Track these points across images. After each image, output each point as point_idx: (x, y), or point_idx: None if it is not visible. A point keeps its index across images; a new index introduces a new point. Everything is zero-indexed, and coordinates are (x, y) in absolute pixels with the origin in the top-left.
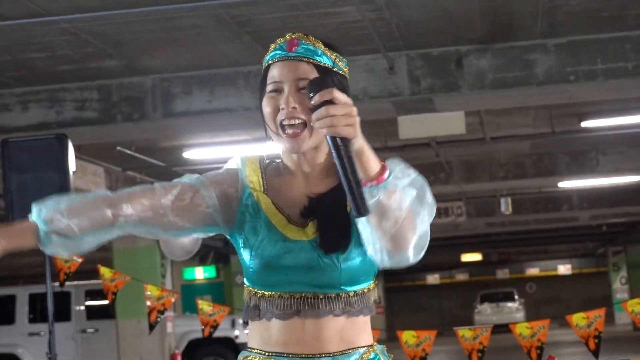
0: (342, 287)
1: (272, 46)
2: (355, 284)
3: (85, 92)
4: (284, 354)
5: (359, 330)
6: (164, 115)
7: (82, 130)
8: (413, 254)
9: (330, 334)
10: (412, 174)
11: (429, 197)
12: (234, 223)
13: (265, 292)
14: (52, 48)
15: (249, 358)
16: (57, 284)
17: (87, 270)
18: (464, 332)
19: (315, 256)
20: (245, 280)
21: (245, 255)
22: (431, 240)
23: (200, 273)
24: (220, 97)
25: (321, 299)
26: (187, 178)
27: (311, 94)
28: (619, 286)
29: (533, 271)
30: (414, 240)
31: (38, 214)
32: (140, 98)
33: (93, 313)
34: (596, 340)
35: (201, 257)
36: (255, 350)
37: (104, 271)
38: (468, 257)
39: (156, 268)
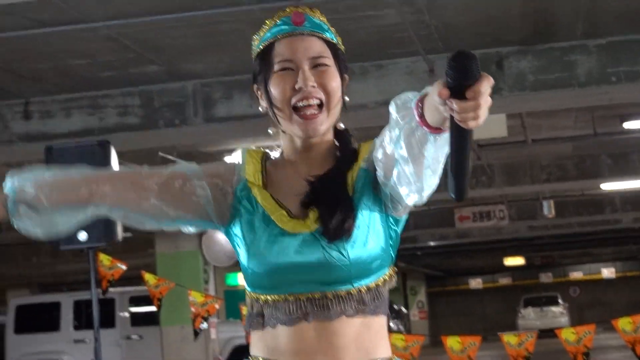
0: (353, 282)
1: (271, 22)
2: (368, 275)
3: (127, 98)
4: None
5: (376, 337)
6: (205, 120)
7: (125, 136)
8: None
9: (345, 341)
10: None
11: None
12: (228, 219)
13: (268, 297)
14: (94, 55)
15: None
16: (100, 291)
17: (131, 276)
18: (509, 338)
19: (319, 248)
20: (245, 285)
21: (242, 255)
22: (473, 244)
23: (243, 279)
24: None
25: (330, 298)
26: (181, 166)
27: (458, 78)
28: None
29: (576, 275)
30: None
31: (10, 182)
32: (181, 103)
33: (137, 319)
34: None
35: None
36: (260, 358)
37: (149, 277)
38: (511, 261)
39: (199, 274)
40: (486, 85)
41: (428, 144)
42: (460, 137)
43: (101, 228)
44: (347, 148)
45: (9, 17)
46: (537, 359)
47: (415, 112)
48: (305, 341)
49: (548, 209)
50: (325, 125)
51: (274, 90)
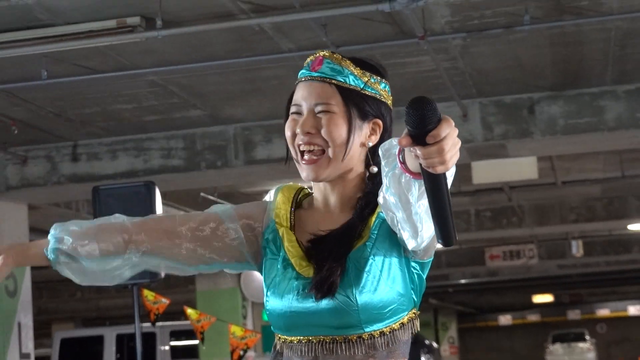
0: (364, 327)
1: (304, 64)
2: (380, 320)
3: (170, 141)
4: None
5: None
6: (246, 163)
7: (168, 177)
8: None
9: None
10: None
11: None
12: (260, 259)
13: (287, 338)
14: (139, 99)
15: None
16: (147, 324)
17: (171, 311)
18: None
19: (325, 296)
20: (270, 323)
21: (264, 295)
22: (503, 282)
23: None
24: None
25: (340, 342)
26: (215, 208)
27: (417, 126)
28: None
29: (604, 312)
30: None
31: (53, 232)
32: (223, 146)
33: (177, 353)
34: None
35: None
36: None
37: (191, 312)
38: (539, 298)
39: (238, 309)
40: (445, 128)
41: (412, 189)
42: (433, 182)
43: None
44: (370, 194)
45: (59, 64)
46: None
47: (397, 159)
48: None
49: (576, 248)
50: (327, 171)
51: (286, 132)
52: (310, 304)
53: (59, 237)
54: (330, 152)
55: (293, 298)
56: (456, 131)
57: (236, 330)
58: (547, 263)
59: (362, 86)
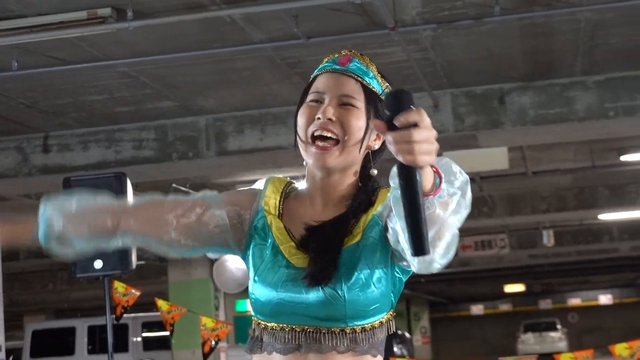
0: (348, 321)
1: (325, 60)
2: (364, 317)
3: (142, 132)
4: None
5: None
6: (218, 154)
7: (140, 168)
8: (442, 256)
9: None
10: (459, 176)
11: (469, 197)
12: (244, 245)
13: (268, 324)
14: (111, 91)
15: None
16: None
17: (144, 303)
18: None
19: (318, 288)
20: (251, 309)
21: (250, 280)
22: (475, 271)
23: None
24: (271, 136)
25: (324, 333)
26: (204, 194)
27: (391, 111)
28: None
29: (575, 301)
30: (445, 242)
31: (43, 213)
32: (194, 137)
33: (150, 344)
34: None
35: None
36: None
37: (161, 304)
38: (511, 288)
39: (210, 300)
40: (415, 115)
41: None
42: (404, 177)
43: (116, 257)
44: (364, 193)
45: (31, 55)
46: None
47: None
48: None
49: (547, 238)
50: (337, 161)
51: (299, 118)
52: (298, 293)
53: (49, 219)
54: (345, 142)
55: (282, 285)
56: (429, 128)
57: (207, 321)
58: (519, 253)
59: (381, 92)
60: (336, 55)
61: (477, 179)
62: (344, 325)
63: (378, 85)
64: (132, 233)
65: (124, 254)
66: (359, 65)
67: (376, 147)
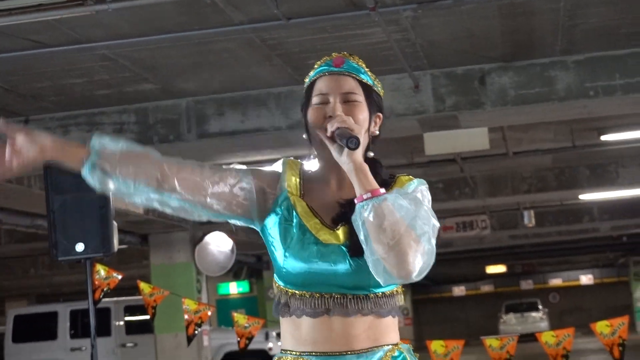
0: (371, 289)
1: (317, 64)
2: (383, 287)
3: (123, 116)
4: (313, 352)
5: (387, 330)
6: (199, 136)
7: None
8: (417, 271)
9: (358, 332)
10: (410, 195)
11: (425, 213)
12: (265, 220)
13: (296, 291)
14: (91, 74)
15: (281, 359)
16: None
17: (126, 287)
18: (491, 341)
19: (346, 259)
20: (276, 277)
21: (278, 255)
22: (456, 252)
23: (234, 288)
24: (252, 118)
25: (350, 299)
26: (236, 166)
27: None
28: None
29: (556, 282)
30: (417, 257)
31: (94, 144)
32: (175, 120)
33: (132, 328)
34: (620, 348)
35: (235, 272)
36: (288, 352)
37: (144, 286)
38: (493, 269)
39: (192, 283)
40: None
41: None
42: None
43: (98, 240)
44: (379, 175)
45: (9, 38)
46: None
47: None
48: (325, 331)
49: (528, 218)
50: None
51: (310, 119)
52: (328, 265)
53: (101, 151)
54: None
55: (313, 260)
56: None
57: (190, 303)
58: (500, 234)
59: (372, 84)
60: (329, 59)
61: (458, 160)
62: (367, 292)
63: (369, 79)
64: (177, 195)
65: (105, 236)
66: (351, 64)
67: (377, 132)
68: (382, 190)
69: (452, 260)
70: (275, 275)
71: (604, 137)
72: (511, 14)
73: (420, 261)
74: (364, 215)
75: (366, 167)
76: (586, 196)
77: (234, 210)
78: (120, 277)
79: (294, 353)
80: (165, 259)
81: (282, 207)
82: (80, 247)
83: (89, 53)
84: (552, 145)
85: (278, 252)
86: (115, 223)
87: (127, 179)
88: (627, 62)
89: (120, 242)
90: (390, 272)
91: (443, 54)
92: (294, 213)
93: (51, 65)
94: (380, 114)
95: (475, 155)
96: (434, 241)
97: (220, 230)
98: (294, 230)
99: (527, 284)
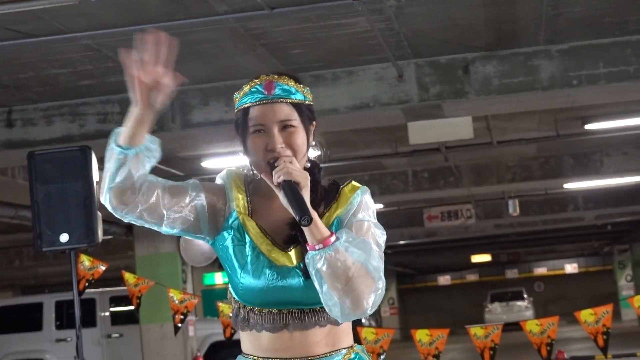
0: None
1: (247, 87)
2: None
3: (107, 106)
4: (276, 358)
5: (343, 334)
6: (183, 126)
7: (105, 142)
8: (370, 307)
9: (317, 340)
10: (357, 238)
11: (375, 252)
12: (216, 237)
13: (255, 308)
14: (74, 64)
15: None
16: (88, 290)
17: (111, 277)
18: (475, 330)
19: (300, 280)
20: (232, 292)
21: (234, 274)
22: (441, 242)
23: (219, 278)
24: None
25: (307, 313)
26: (186, 183)
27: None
28: (624, 283)
29: (541, 270)
30: (371, 296)
31: (149, 144)
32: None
33: (117, 318)
34: (604, 337)
35: (220, 263)
36: (250, 356)
37: (128, 277)
38: (478, 258)
39: (177, 274)
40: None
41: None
42: (289, 188)
43: (82, 230)
44: (319, 184)
45: None
46: (503, 351)
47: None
48: (285, 342)
49: (513, 207)
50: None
51: (251, 150)
52: (283, 285)
53: (152, 153)
54: (297, 157)
55: (268, 282)
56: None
57: (175, 293)
58: (485, 223)
59: (303, 98)
60: (258, 82)
61: (442, 149)
62: (323, 304)
63: (300, 95)
64: (137, 218)
65: (89, 226)
66: (282, 86)
67: (314, 142)
68: (333, 238)
69: (437, 250)
70: (231, 288)
71: (588, 126)
72: (495, 3)
73: (374, 298)
74: (317, 266)
75: (315, 214)
76: (571, 185)
77: (186, 228)
78: (104, 267)
79: (256, 357)
80: (151, 250)
81: (233, 228)
82: (64, 237)
83: (73, 43)
84: (536, 134)
85: (233, 271)
86: (99, 214)
87: (114, 192)
88: (610, 51)
89: (105, 233)
90: (347, 313)
91: (427, 43)
92: (245, 234)
93: (35, 56)
94: (314, 122)
95: (459, 144)
96: (382, 279)
97: None
98: (247, 252)
99: (512, 273)
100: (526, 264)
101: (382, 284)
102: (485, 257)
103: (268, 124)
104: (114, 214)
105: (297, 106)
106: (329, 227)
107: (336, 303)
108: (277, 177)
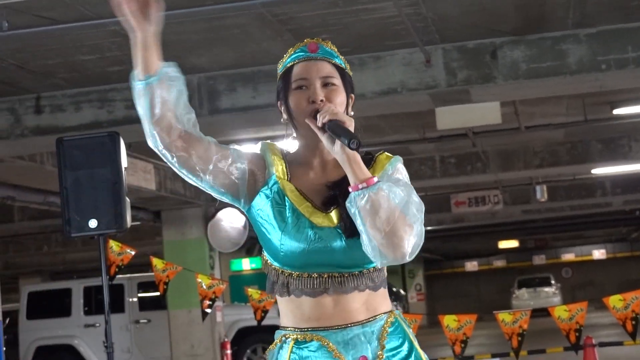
0: (365, 266)
1: (292, 50)
2: (373, 262)
3: None
4: (319, 328)
5: (381, 299)
6: (210, 112)
7: (133, 128)
8: (410, 252)
9: (357, 305)
10: (400, 182)
11: (416, 198)
12: (252, 201)
13: (294, 272)
14: (102, 50)
15: (286, 336)
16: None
17: (139, 263)
18: (503, 316)
19: (341, 241)
20: (270, 258)
21: (274, 238)
22: (469, 228)
23: (247, 264)
24: (264, 93)
25: (347, 277)
26: (231, 147)
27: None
28: None
29: (568, 256)
30: (410, 240)
31: (165, 72)
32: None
33: (145, 304)
34: (633, 322)
35: (247, 248)
36: (290, 328)
37: (156, 262)
38: (505, 244)
39: (205, 260)
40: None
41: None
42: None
43: (111, 216)
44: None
45: (20, 15)
46: (531, 337)
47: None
48: (326, 308)
49: (541, 193)
50: None
51: (292, 104)
52: (324, 247)
53: (161, 82)
54: None
55: (310, 243)
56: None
57: (203, 278)
58: (512, 208)
59: (344, 67)
60: (302, 44)
61: (470, 134)
62: (362, 269)
63: (342, 62)
64: (184, 156)
65: (118, 212)
66: (325, 49)
67: (352, 112)
68: (375, 178)
69: (464, 236)
70: (267, 255)
71: (616, 111)
72: None
73: (413, 244)
74: (360, 204)
75: (358, 156)
76: (598, 170)
77: (227, 188)
78: (133, 252)
79: (299, 329)
80: (178, 235)
81: (273, 191)
82: (93, 223)
83: (100, 29)
84: (564, 119)
85: (273, 235)
86: (128, 199)
87: (159, 125)
88: (639, 35)
89: (133, 219)
90: (386, 255)
91: (454, 28)
92: (285, 197)
93: (62, 42)
94: (353, 95)
95: (487, 129)
96: (422, 225)
97: (232, 206)
98: (287, 214)
99: (539, 259)
100: (554, 249)
101: (419, 229)
102: (513, 243)
103: (311, 79)
104: (164, 157)
105: (340, 69)
106: None
107: (375, 246)
108: (323, 117)
